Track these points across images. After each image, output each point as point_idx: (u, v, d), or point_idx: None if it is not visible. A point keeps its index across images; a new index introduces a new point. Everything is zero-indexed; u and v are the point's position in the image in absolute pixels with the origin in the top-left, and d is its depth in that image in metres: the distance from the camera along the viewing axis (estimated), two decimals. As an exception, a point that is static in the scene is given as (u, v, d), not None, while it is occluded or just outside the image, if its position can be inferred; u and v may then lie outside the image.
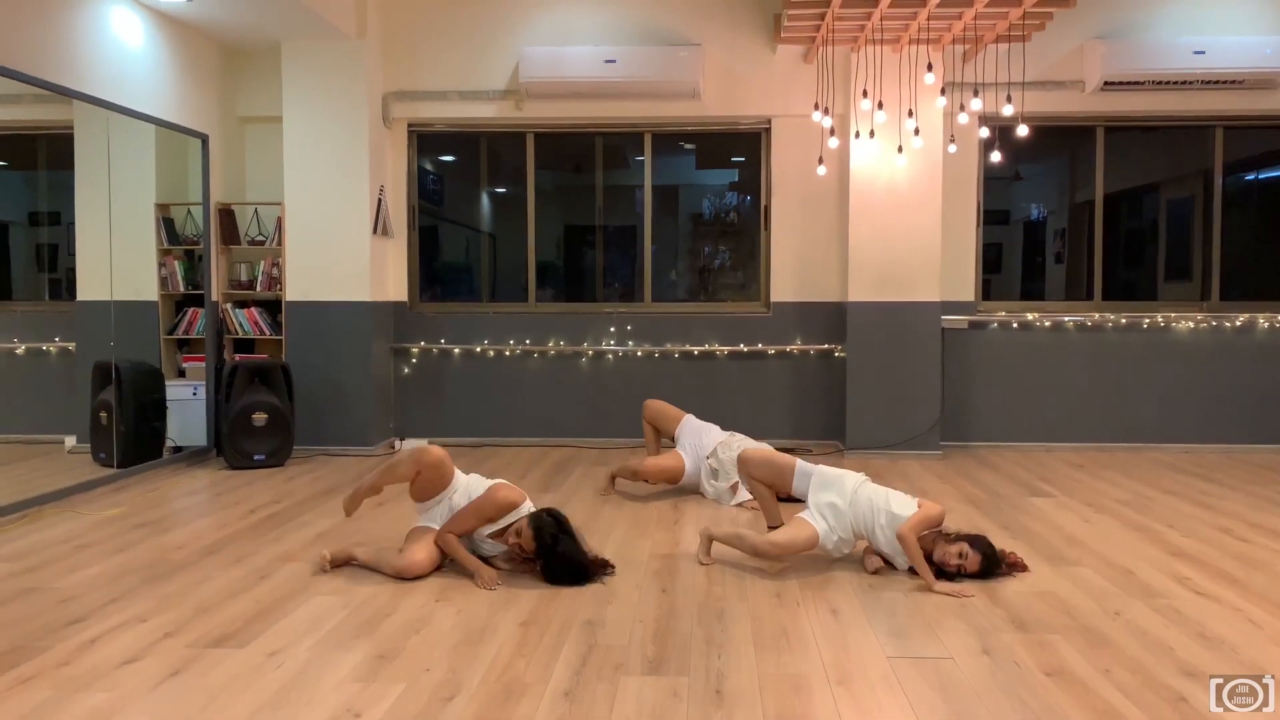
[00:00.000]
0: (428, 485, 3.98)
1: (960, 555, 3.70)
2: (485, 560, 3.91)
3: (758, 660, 2.98)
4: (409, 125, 7.30)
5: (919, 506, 3.86)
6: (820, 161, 6.39)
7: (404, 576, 3.83)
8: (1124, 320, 7.10)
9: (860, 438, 6.83)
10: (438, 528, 3.96)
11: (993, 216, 7.38)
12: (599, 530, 4.63)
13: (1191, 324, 7.07)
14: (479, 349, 7.28)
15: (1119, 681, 2.81)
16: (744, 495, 5.24)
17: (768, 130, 7.21)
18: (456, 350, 7.30)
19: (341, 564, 3.99)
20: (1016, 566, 3.86)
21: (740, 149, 7.62)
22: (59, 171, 6.43)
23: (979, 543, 3.76)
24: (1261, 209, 7.69)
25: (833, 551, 3.97)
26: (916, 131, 5.99)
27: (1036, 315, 7.17)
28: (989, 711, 2.61)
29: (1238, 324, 7.05)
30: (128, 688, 2.75)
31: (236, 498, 5.42)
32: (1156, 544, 4.40)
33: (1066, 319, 7.14)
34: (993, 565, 3.74)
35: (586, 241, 7.99)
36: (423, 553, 3.89)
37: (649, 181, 7.42)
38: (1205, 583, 3.79)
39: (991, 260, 7.44)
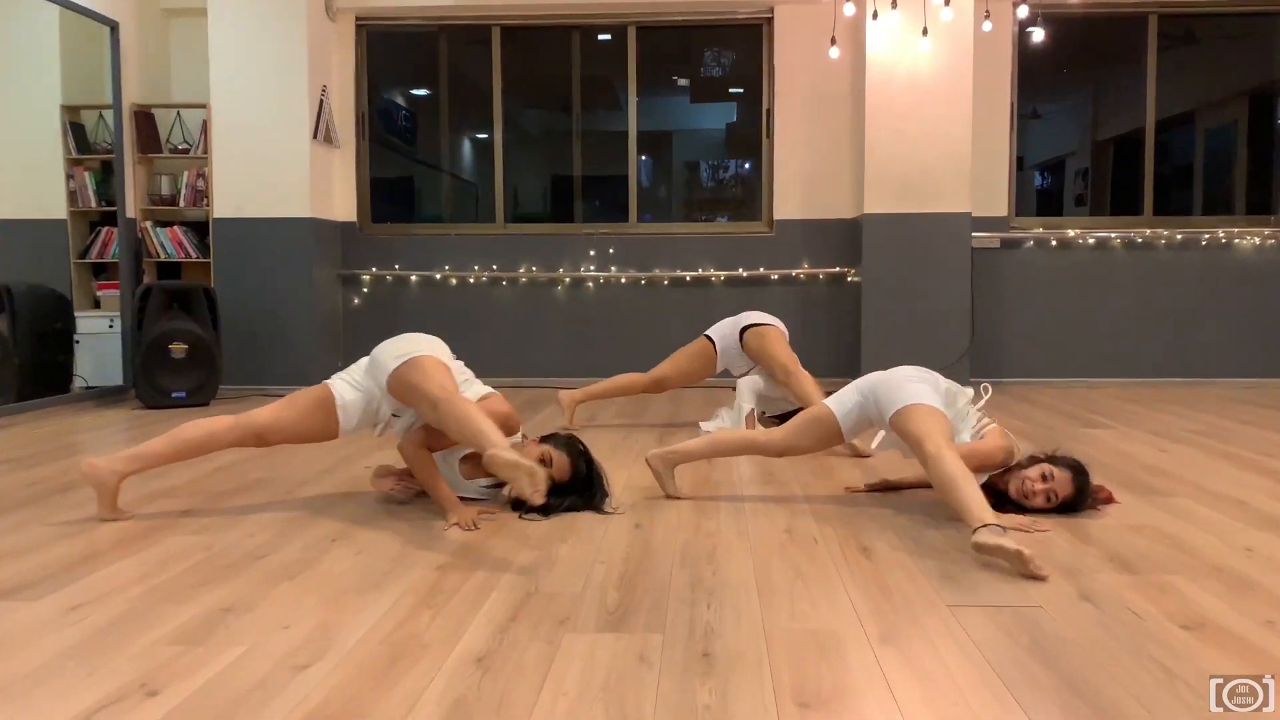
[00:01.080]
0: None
1: (1045, 477, 2.79)
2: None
3: (763, 611, 2.09)
4: (356, 18, 6.35)
5: (982, 437, 2.95)
6: (833, 42, 5.45)
7: (263, 441, 2.93)
8: (1179, 237, 6.18)
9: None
10: (340, 390, 2.93)
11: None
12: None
13: (1258, 240, 6.15)
14: (439, 276, 6.36)
15: (1294, 637, 1.92)
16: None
17: (770, 20, 6.26)
18: (413, 277, 6.38)
19: (117, 484, 2.87)
20: (1102, 497, 2.96)
21: (739, 77, 6.67)
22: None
23: (1063, 460, 2.86)
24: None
25: (846, 434, 3.09)
26: (947, 1, 5.04)
27: (1078, 231, 6.25)
28: (1120, 687, 1.71)
29: (1312, 240, 6.13)
30: None
31: (138, 435, 4.52)
32: (1262, 473, 3.51)
33: (1113, 236, 6.22)
34: (1086, 486, 2.84)
35: (570, 190, 6.95)
36: (300, 403, 2.94)
37: (633, 85, 6.47)
38: (1349, 513, 2.90)
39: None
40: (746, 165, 6.92)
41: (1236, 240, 6.15)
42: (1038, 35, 5.09)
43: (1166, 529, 2.74)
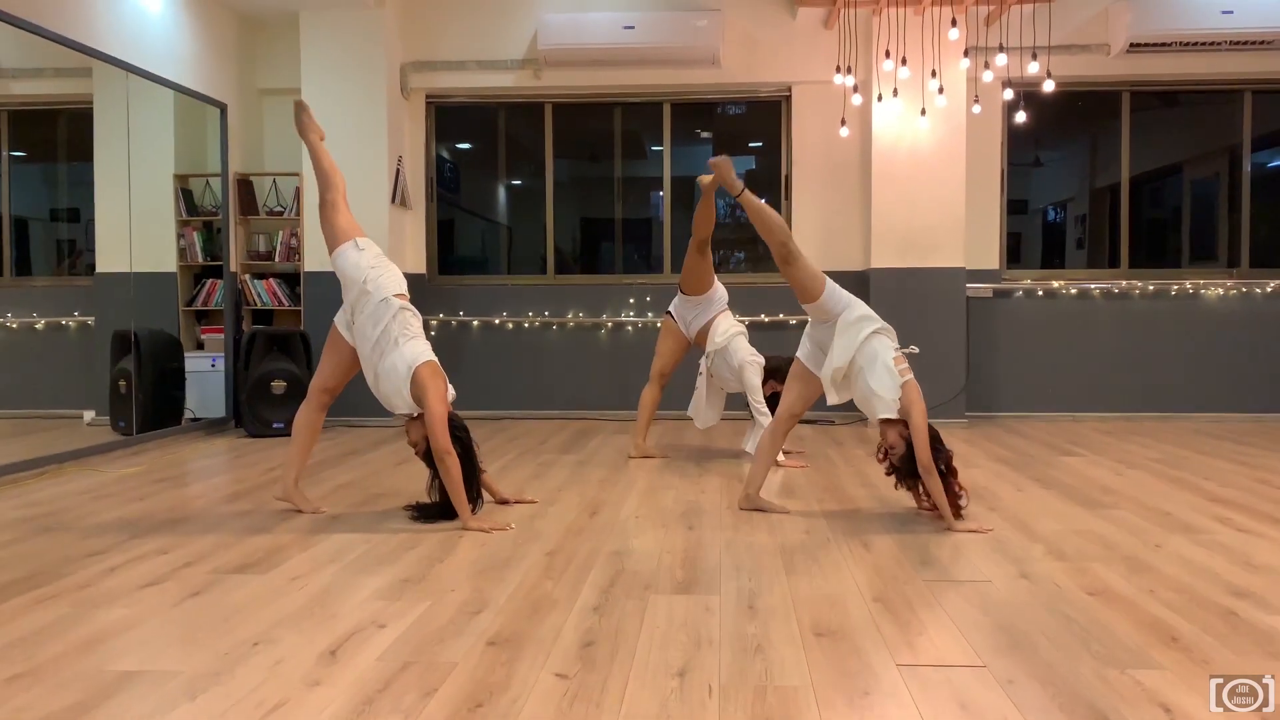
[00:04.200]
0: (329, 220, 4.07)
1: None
2: None
3: (789, 582, 2.90)
4: (427, 96, 7.27)
5: (907, 405, 3.71)
6: (843, 123, 6.32)
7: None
8: (1152, 288, 6.99)
9: (884, 407, 6.72)
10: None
11: (1011, 206, 7.24)
12: (619, 484, 4.57)
13: (1221, 291, 6.95)
14: (497, 321, 7.23)
15: (1165, 600, 2.71)
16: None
17: (788, 98, 7.15)
18: (475, 322, 7.26)
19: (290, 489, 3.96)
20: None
21: (758, 132, 7.54)
22: (78, 164, 6.41)
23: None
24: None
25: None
26: (941, 90, 5.92)
27: (1062, 283, 7.07)
28: (1032, 625, 2.52)
29: (1268, 290, 6.93)
30: (148, 605, 2.70)
31: (254, 460, 5.38)
32: (1194, 492, 4.30)
33: (1093, 287, 7.03)
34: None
35: (604, 234, 7.84)
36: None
37: (668, 150, 7.36)
38: (1247, 522, 3.69)
39: (1011, 249, 7.30)
40: (762, 199, 7.73)
41: (1202, 291, 6.96)
42: (1019, 118, 5.93)
43: (1099, 531, 3.54)
